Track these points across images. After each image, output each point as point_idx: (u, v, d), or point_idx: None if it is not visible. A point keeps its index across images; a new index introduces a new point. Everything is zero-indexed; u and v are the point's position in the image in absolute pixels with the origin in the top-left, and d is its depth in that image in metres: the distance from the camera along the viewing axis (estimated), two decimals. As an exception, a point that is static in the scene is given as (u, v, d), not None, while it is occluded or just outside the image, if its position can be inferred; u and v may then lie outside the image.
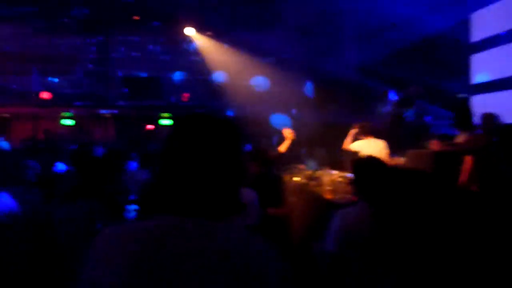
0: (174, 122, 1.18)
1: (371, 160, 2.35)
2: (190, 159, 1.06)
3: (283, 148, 4.94)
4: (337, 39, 9.87)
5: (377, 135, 5.01)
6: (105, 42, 12.50)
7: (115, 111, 11.97)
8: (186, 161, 1.06)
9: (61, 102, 11.71)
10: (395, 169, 2.83)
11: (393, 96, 9.10)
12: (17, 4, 11.00)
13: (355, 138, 5.14)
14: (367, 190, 2.21)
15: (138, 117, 11.95)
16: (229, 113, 11.27)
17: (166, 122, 11.70)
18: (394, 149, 5.00)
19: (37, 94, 11.45)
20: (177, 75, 12.00)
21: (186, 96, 11.10)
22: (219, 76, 11.32)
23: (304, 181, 4.71)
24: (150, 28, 11.69)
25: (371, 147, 4.74)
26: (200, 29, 11.21)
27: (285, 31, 10.17)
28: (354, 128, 5.17)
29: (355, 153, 5.02)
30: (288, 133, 4.92)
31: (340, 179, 4.22)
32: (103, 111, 12.01)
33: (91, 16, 11.34)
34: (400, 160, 4.65)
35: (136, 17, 11.34)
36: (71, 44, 12.44)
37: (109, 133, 11.97)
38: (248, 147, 7.93)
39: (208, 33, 11.47)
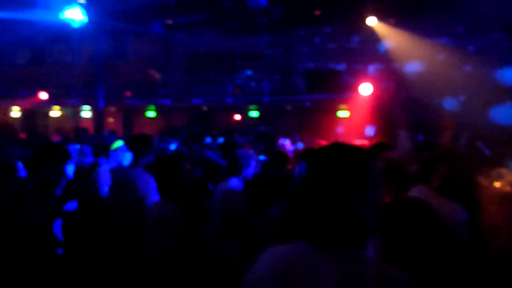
0: (311, 155, 1.25)
1: None
2: (325, 191, 1.13)
3: (443, 140, 4.46)
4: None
5: None
6: (288, 38, 13.16)
7: (297, 104, 12.54)
8: (322, 193, 1.13)
9: (250, 96, 12.84)
10: None
11: None
12: (212, 10, 12.42)
13: None
14: None
15: (318, 109, 12.26)
16: (410, 105, 10.59)
17: (343, 114, 11.72)
18: None
19: (230, 89, 12.79)
20: (359, 66, 11.85)
21: (365, 87, 10.83)
22: (404, 66, 10.72)
23: (509, 188, 4.11)
24: (331, 21, 11.80)
25: None
26: (382, 18, 10.80)
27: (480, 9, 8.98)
28: None
29: None
30: (449, 124, 4.42)
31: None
32: (285, 104, 12.73)
33: (276, 14, 12.04)
34: None
35: (317, 12, 11.58)
36: (258, 42, 13.52)
37: (290, 125, 12.65)
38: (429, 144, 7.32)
39: (391, 20, 10.96)
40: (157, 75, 15.08)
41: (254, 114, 13.17)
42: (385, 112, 10.53)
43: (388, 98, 10.65)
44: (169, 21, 13.93)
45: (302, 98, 12.35)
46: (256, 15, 12.31)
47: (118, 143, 4.74)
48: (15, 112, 16.64)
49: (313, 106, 12.34)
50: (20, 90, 15.59)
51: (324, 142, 7.07)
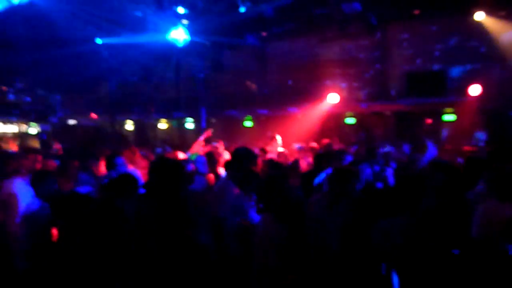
0: None
1: None
2: None
3: None
4: None
5: None
6: (385, 40, 12.70)
7: (396, 108, 12.02)
8: None
9: (345, 102, 12.62)
10: None
11: None
12: (305, 19, 12.46)
13: None
14: None
15: (420, 114, 11.61)
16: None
17: (449, 118, 10.93)
18: None
19: (326, 96, 12.68)
20: (464, 67, 11.00)
21: (472, 88, 10.01)
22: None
23: None
24: (432, 20, 11.15)
25: None
26: (491, 11, 9.92)
27: None
28: None
29: None
30: None
31: None
32: (383, 109, 12.27)
33: (370, 16, 11.71)
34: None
35: (417, 11, 11.03)
36: (353, 47, 13.26)
37: (389, 131, 12.17)
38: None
39: (501, 13, 10.03)
40: (253, 86, 15.58)
41: (350, 121, 12.91)
42: (497, 115, 9.63)
43: (500, 100, 9.70)
44: (263, 33, 14.34)
45: (402, 103, 11.80)
46: (350, 20, 12.11)
47: (195, 156, 5.00)
48: (129, 125, 18.42)
49: (415, 110, 11.70)
50: (132, 105, 17.26)
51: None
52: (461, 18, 10.41)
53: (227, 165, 4.00)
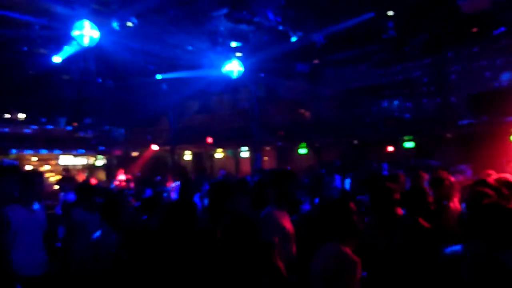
0: None
1: None
2: None
3: None
4: None
5: None
6: (443, 60, 12.31)
7: (457, 131, 11.47)
8: None
9: (403, 126, 12.25)
10: None
11: None
12: (358, 45, 12.38)
13: None
14: None
15: (484, 135, 10.95)
16: None
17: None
18: None
19: (382, 121, 12.41)
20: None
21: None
22: None
23: None
24: (491, 37, 10.66)
25: None
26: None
27: None
28: None
29: None
30: None
31: None
32: (444, 132, 11.75)
33: (427, 38, 11.41)
34: None
35: (474, 29, 10.63)
36: (409, 69, 12.96)
37: (450, 155, 11.56)
38: None
39: None
40: (306, 113, 15.59)
41: (409, 145, 12.45)
42: None
43: None
44: (316, 61, 14.43)
45: (463, 124, 11.23)
46: (403, 43, 11.88)
47: None
48: (187, 155, 19.02)
49: (478, 131, 11.07)
50: (190, 137, 17.87)
51: (494, 173, 6.26)
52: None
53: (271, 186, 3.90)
